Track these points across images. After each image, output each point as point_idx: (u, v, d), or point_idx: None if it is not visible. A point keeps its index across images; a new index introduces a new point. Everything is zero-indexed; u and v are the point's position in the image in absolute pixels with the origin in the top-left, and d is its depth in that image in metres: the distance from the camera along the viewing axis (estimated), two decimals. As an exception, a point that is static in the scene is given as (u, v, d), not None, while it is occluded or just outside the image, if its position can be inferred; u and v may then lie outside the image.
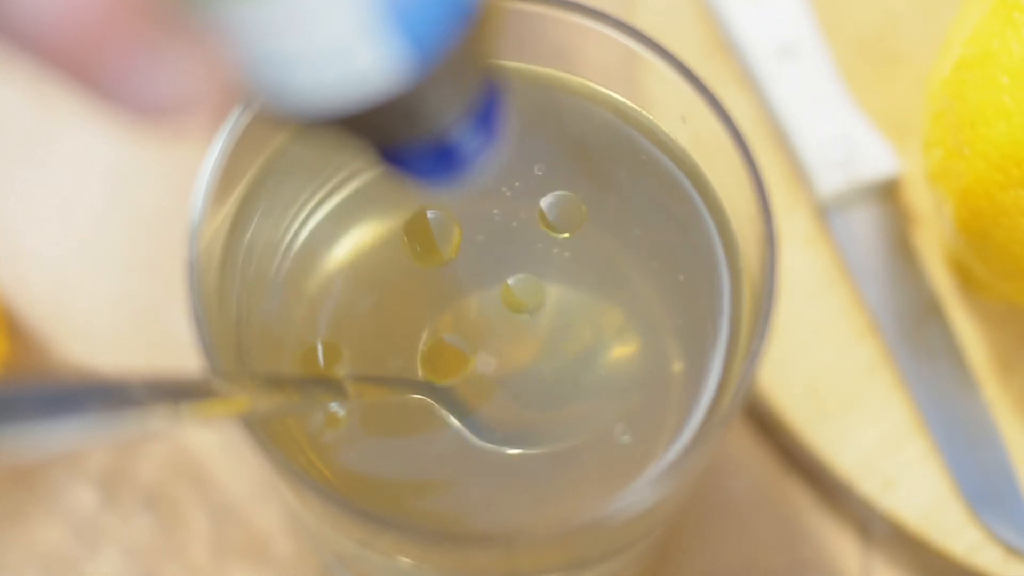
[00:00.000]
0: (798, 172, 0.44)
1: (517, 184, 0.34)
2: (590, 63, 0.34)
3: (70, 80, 0.21)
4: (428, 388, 0.33)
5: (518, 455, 0.33)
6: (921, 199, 0.44)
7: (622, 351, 0.34)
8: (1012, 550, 0.41)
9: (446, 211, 0.34)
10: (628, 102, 0.35)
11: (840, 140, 0.44)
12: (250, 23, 0.21)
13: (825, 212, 0.44)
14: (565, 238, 0.34)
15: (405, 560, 0.33)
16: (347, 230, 0.35)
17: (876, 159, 0.44)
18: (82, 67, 0.20)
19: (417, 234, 0.34)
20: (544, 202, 0.34)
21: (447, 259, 0.34)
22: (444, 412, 0.33)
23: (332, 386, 0.32)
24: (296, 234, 0.34)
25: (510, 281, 0.34)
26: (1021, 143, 0.36)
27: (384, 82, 0.22)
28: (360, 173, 0.35)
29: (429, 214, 0.34)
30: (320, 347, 0.33)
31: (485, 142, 0.26)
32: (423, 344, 0.34)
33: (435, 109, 0.24)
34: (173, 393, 0.26)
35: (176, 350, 0.43)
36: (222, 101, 0.22)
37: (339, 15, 0.21)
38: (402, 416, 0.33)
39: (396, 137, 0.25)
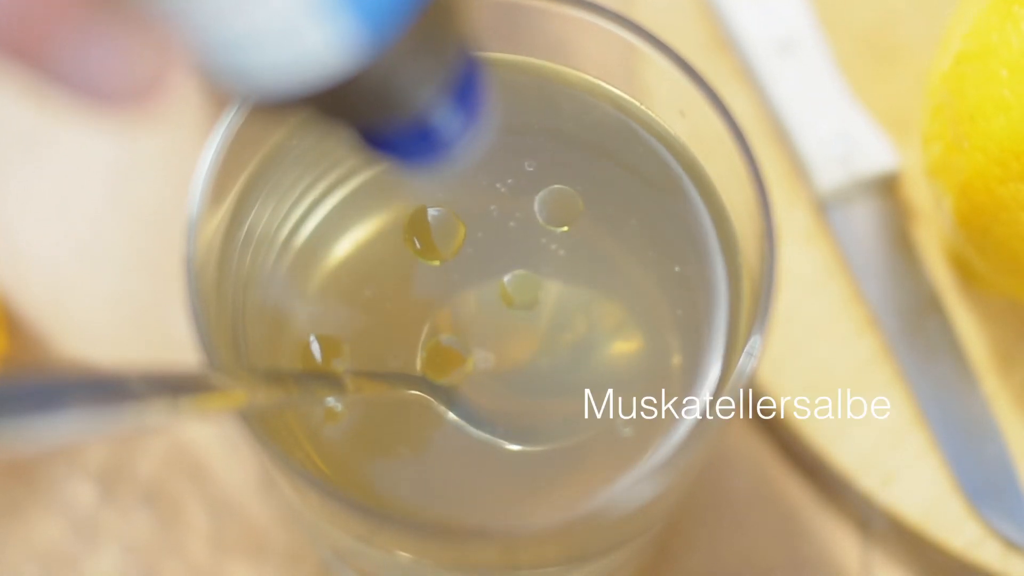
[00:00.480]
0: (798, 167, 0.44)
1: (515, 179, 0.34)
2: (590, 57, 0.34)
3: (19, 66, 0.20)
4: (426, 384, 0.33)
5: (517, 449, 0.33)
6: (921, 194, 0.44)
7: (622, 345, 0.34)
8: (1011, 545, 0.41)
9: (449, 208, 0.34)
10: (627, 96, 0.35)
11: (840, 135, 0.44)
12: (193, 4, 0.21)
13: (825, 207, 0.44)
14: (563, 232, 0.34)
15: (404, 555, 0.33)
16: (345, 226, 0.35)
17: (876, 154, 0.44)
18: (28, 51, 0.20)
19: (420, 231, 0.34)
20: (541, 196, 0.34)
21: (449, 256, 0.34)
22: (442, 407, 0.33)
23: (330, 381, 0.32)
24: (294, 230, 0.34)
25: (506, 278, 0.34)
26: (1020, 137, 0.36)
27: (338, 61, 0.22)
28: (358, 169, 0.35)
29: (432, 211, 0.34)
30: (319, 342, 0.33)
31: (467, 123, 0.25)
32: (422, 344, 0.33)
33: (405, 88, 0.23)
34: (171, 387, 0.26)
35: (175, 346, 0.43)
36: (181, 84, 0.21)
37: None
38: (401, 411, 0.33)
39: (371, 119, 0.24)
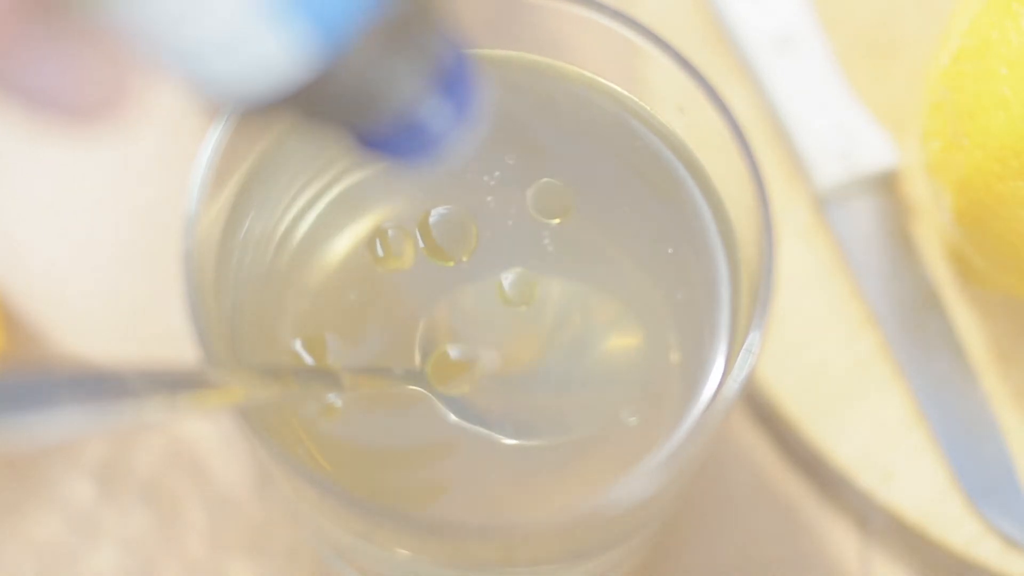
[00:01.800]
0: (796, 163, 0.44)
1: (512, 175, 0.34)
2: (588, 54, 0.34)
3: None
4: (424, 380, 0.33)
5: (515, 445, 0.33)
6: (920, 190, 0.44)
7: (621, 340, 0.34)
8: (1011, 542, 0.41)
9: (464, 210, 0.34)
10: (626, 92, 0.35)
11: (839, 131, 0.44)
12: (142, 17, 0.21)
13: (824, 203, 0.44)
14: (560, 226, 0.34)
15: (402, 552, 0.33)
16: (343, 223, 0.35)
17: (875, 150, 0.44)
18: None
19: (433, 234, 0.34)
20: (533, 190, 0.34)
21: (462, 258, 0.34)
22: (440, 403, 0.33)
23: (328, 377, 0.32)
24: (292, 226, 0.34)
25: (502, 276, 0.34)
26: (1020, 134, 0.36)
27: (296, 66, 0.22)
28: (356, 167, 0.35)
29: (442, 211, 0.34)
30: (316, 339, 0.33)
31: (457, 117, 0.25)
32: (419, 342, 0.33)
33: (380, 87, 0.23)
34: (169, 384, 0.26)
35: (172, 342, 0.43)
36: (140, 95, 0.21)
37: (228, 2, 0.21)
38: (399, 407, 0.33)
39: (351, 119, 0.24)
